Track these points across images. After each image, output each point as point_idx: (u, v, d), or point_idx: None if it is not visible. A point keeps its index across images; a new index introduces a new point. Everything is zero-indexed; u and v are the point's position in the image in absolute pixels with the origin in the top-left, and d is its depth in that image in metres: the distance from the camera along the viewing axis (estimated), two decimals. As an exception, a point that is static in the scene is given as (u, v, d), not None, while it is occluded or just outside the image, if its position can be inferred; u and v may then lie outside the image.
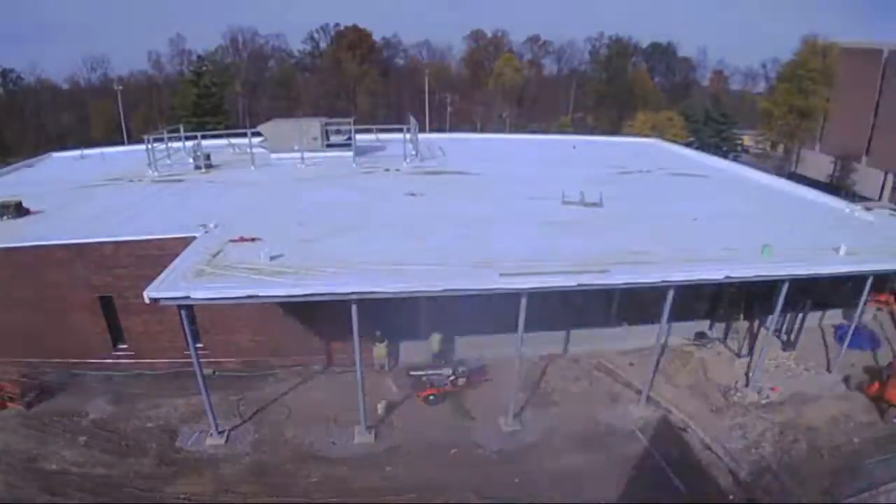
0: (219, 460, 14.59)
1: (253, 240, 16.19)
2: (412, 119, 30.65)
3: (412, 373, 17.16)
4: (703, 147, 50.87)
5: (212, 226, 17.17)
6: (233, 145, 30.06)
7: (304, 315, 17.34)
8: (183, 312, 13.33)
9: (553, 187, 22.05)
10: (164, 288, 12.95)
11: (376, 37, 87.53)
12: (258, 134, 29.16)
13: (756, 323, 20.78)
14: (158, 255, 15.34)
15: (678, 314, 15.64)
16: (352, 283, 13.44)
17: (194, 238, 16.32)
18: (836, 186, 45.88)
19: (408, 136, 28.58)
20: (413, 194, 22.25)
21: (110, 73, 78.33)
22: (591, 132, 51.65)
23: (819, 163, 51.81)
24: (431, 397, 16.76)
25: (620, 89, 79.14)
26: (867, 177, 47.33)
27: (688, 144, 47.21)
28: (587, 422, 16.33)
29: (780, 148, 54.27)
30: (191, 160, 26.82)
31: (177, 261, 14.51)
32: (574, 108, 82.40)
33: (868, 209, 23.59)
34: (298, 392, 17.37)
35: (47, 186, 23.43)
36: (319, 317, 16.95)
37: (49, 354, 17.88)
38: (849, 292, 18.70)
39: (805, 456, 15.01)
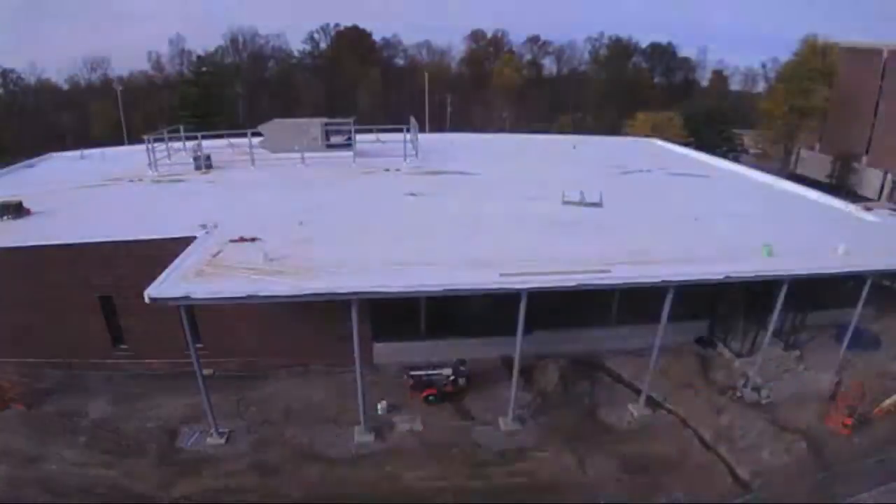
0: (219, 460, 14.60)
1: (253, 240, 16.20)
2: (412, 119, 30.66)
3: (412, 373, 17.17)
4: (702, 147, 50.81)
5: (212, 226, 17.19)
6: (233, 145, 30.06)
7: (304, 315, 17.35)
8: (183, 312, 13.34)
9: (553, 187, 22.06)
10: (164, 288, 12.98)
11: (376, 37, 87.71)
12: (258, 134, 29.16)
13: (756, 323, 20.75)
14: (158, 255, 15.34)
15: (678, 314, 15.64)
16: (352, 282, 13.45)
17: (194, 238, 16.35)
18: (836, 186, 45.84)
19: (408, 136, 28.59)
20: (413, 194, 22.26)
21: (110, 73, 78.38)
22: (591, 132, 51.56)
23: (819, 163, 51.79)
24: (431, 397, 16.77)
25: (620, 89, 79.12)
26: (867, 177, 47.32)
27: (687, 144, 47.14)
28: (587, 422, 16.35)
29: (780, 148, 54.28)
30: (191, 160, 26.83)
31: (177, 261, 14.55)
32: (574, 108, 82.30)
33: (868, 209, 23.60)
34: (298, 392, 17.37)
35: (47, 186, 23.42)
36: (319, 316, 16.96)
37: (49, 354, 17.89)
38: (849, 292, 18.67)
39: (805, 456, 15.03)
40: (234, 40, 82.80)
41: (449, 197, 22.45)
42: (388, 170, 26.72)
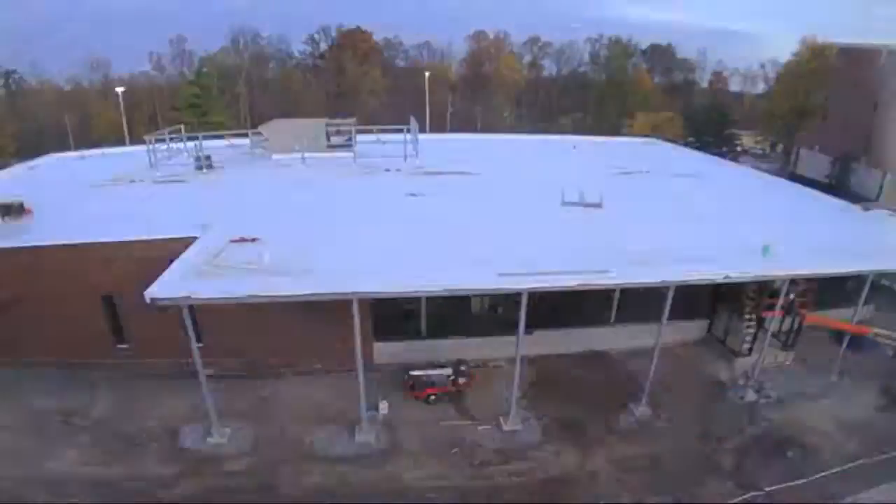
0: (220, 460, 14.63)
1: (253, 240, 16.24)
2: (412, 119, 30.69)
3: (412, 373, 17.20)
4: (702, 147, 50.90)
5: (212, 226, 17.22)
6: (234, 146, 30.12)
7: (305, 315, 17.36)
8: (184, 312, 13.37)
9: (553, 187, 22.10)
10: (165, 288, 13.02)
11: (377, 37, 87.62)
12: (259, 134, 29.22)
13: (756, 322, 20.77)
14: (159, 255, 15.36)
15: (678, 313, 15.67)
16: (352, 282, 13.49)
17: (195, 238, 16.36)
18: (835, 186, 45.86)
19: (408, 136, 28.62)
20: (413, 195, 22.29)
21: (112, 74, 78.35)
22: (591, 132, 51.57)
23: (818, 163, 51.81)
24: (431, 397, 16.80)
25: (620, 90, 79.16)
26: (866, 177, 47.32)
27: (687, 144, 47.24)
28: (587, 422, 16.37)
29: (780, 148, 54.35)
30: (192, 160, 26.88)
31: (178, 261, 14.57)
32: (574, 109, 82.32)
33: (867, 209, 23.64)
34: (299, 391, 17.41)
35: (48, 187, 23.49)
36: (319, 316, 16.97)
37: (50, 354, 17.91)
38: (849, 292, 18.73)
39: (804, 455, 15.06)
40: (235, 41, 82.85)
41: (449, 197, 22.49)
42: (388, 170, 26.76)
